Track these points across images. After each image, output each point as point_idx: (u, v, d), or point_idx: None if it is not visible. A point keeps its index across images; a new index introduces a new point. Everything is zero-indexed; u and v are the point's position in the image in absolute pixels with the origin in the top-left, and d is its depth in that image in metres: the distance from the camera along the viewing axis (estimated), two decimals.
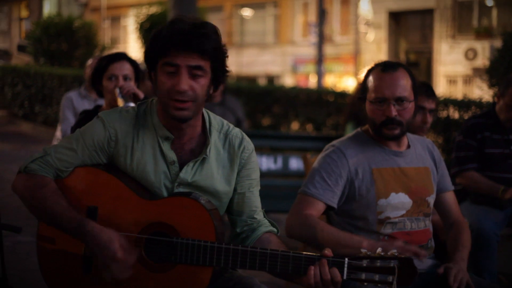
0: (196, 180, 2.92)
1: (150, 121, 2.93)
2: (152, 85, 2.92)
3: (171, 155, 2.90)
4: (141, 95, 4.47)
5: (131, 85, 4.53)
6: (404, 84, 3.50)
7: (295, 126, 13.07)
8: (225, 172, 2.99)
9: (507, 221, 5.26)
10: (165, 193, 2.90)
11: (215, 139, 2.99)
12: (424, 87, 4.65)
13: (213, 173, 2.96)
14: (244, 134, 3.08)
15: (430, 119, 4.70)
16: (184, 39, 2.75)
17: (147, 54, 2.86)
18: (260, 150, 8.86)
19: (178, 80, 2.76)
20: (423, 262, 3.43)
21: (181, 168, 2.91)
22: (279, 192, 8.01)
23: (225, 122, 3.08)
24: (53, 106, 17.14)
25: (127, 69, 4.60)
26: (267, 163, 7.90)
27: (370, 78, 3.57)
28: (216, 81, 2.90)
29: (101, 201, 2.84)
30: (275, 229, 3.07)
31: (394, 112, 3.48)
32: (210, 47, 2.79)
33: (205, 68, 2.81)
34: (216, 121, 3.03)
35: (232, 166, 3.01)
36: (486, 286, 3.51)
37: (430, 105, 4.67)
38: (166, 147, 2.90)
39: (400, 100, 3.49)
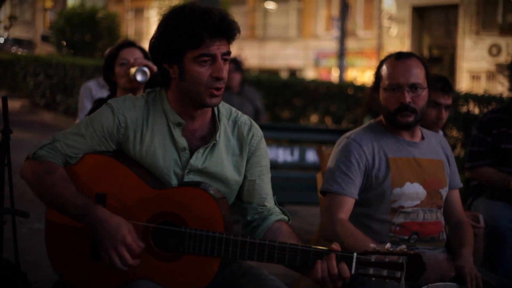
0: (206, 167, 2.92)
1: (160, 108, 2.93)
2: (173, 76, 2.88)
3: (182, 142, 2.89)
4: (154, 67, 4.43)
5: (143, 60, 4.56)
6: (417, 72, 3.51)
7: (314, 119, 13.03)
8: (234, 159, 2.99)
9: None
10: (174, 180, 2.89)
11: (224, 125, 2.99)
12: (440, 82, 4.60)
13: (223, 159, 2.95)
14: (252, 121, 3.08)
15: (445, 115, 4.65)
16: (220, 29, 2.78)
17: (169, 46, 2.82)
18: (277, 142, 8.86)
19: (218, 67, 2.80)
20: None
21: (191, 155, 2.90)
22: (296, 184, 8.00)
23: (233, 109, 3.08)
24: (74, 96, 17.18)
25: (137, 54, 4.62)
26: (283, 155, 7.89)
27: (384, 67, 3.58)
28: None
29: (109, 188, 2.83)
30: (286, 217, 3.06)
31: (408, 99, 3.48)
32: (236, 33, 2.85)
33: (231, 52, 2.87)
34: (224, 108, 3.04)
35: (241, 153, 3.01)
36: (497, 281, 3.48)
37: (446, 101, 4.62)
38: (177, 133, 2.90)
39: (414, 87, 3.49)
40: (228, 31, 2.80)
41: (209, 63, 2.80)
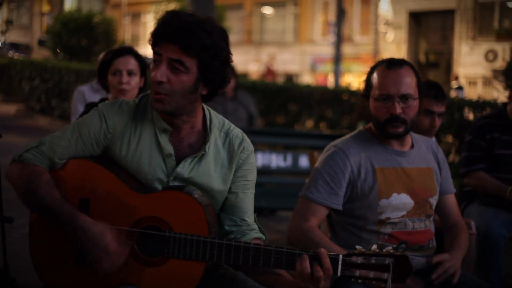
0: (192, 176, 2.90)
1: (150, 113, 2.91)
2: None
3: (168, 148, 2.87)
4: None
5: None
6: (409, 82, 3.46)
7: (309, 124, 13.02)
8: (222, 171, 2.97)
9: None
10: (158, 187, 2.87)
11: (215, 137, 2.97)
12: (434, 90, 4.58)
13: (210, 171, 2.93)
14: (244, 134, 3.05)
15: (438, 122, 4.64)
16: (169, 31, 2.73)
17: (149, 42, 2.85)
18: (270, 148, 8.85)
19: (155, 69, 2.77)
20: None
21: (178, 163, 2.88)
22: (289, 190, 7.99)
23: (227, 121, 3.05)
24: (70, 101, 17.10)
25: (131, 64, 4.58)
26: (276, 160, 7.88)
27: (374, 75, 3.53)
28: (207, 82, 2.84)
29: (93, 193, 2.81)
30: (263, 237, 3.03)
31: (398, 110, 3.44)
32: (195, 45, 2.73)
33: (187, 64, 2.75)
34: (217, 119, 3.01)
35: (230, 165, 2.98)
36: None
37: (439, 108, 4.61)
38: (163, 139, 2.88)
39: (404, 98, 3.45)
40: (181, 38, 2.71)
41: (158, 65, 2.78)
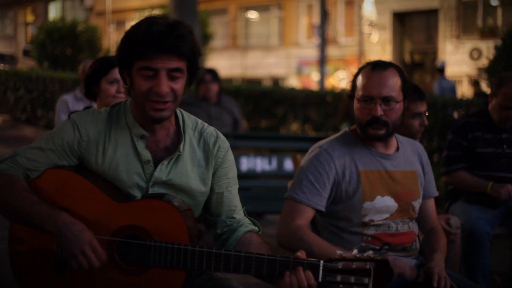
0: (171, 179, 2.89)
1: (124, 121, 2.90)
2: (124, 84, 2.89)
3: (146, 154, 2.87)
4: None
5: None
6: (392, 84, 3.45)
7: (294, 127, 13.03)
8: (200, 171, 2.96)
9: (501, 220, 5.22)
10: (138, 193, 2.87)
11: (190, 137, 2.96)
12: (416, 92, 4.58)
13: (188, 171, 2.93)
14: (218, 132, 3.05)
15: (426, 120, 4.66)
16: (163, 43, 2.72)
17: (120, 54, 2.83)
18: (255, 151, 8.84)
19: (158, 83, 2.74)
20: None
21: (156, 167, 2.87)
22: (275, 193, 7.98)
23: (200, 121, 3.05)
24: (55, 110, 17.11)
25: None
26: (261, 164, 7.87)
27: (360, 76, 3.53)
28: (191, 80, 2.89)
29: (72, 203, 2.80)
30: (256, 228, 3.03)
31: (380, 112, 3.43)
32: (188, 49, 2.77)
33: (182, 68, 2.79)
34: (190, 119, 3.01)
35: (207, 165, 2.98)
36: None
37: (424, 107, 4.63)
38: (141, 146, 2.87)
39: (386, 100, 3.44)
40: (176, 47, 2.74)
41: (152, 77, 2.76)
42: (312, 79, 31.26)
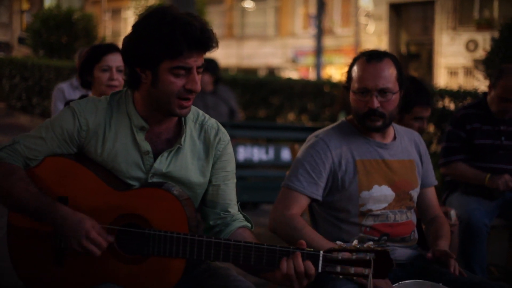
0: (170, 171, 2.88)
1: (124, 110, 2.88)
2: (144, 80, 2.81)
3: (145, 145, 2.85)
4: None
5: None
6: (388, 75, 3.43)
7: (291, 117, 13.02)
8: (199, 164, 2.95)
9: (498, 211, 5.23)
10: (136, 184, 2.85)
11: (190, 129, 2.95)
12: (423, 97, 4.55)
13: (188, 163, 2.91)
14: (219, 124, 3.04)
15: (426, 124, 4.65)
16: (200, 43, 2.72)
17: (146, 53, 2.73)
18: (252, 141, 8.84)
19: (192, 81, 2.75)
20: None
21: (155, 159, 2.86)
22: (271, 183, 7.98)
23: (201, 112, 3.03)
24: (50, 98, 17.07)
25: (119, 61, 4.51)
26: (258, 154, 7.86)
27: (355, 67, 3.51)
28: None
29: (71, 191, 2.79)
30: (249, 224, 3.02)
31: (376, 104, 3.42)
32: (215, 45, 2.80)
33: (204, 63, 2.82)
34: (191, 111, 2.98)
35: (207, 157, 2.96)
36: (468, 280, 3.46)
37: (428, 113, 4.61)
38: (140, 137, 2.85)
39: (383, 92, 3.42)
40: (207, 45, 2.75)
41: (184, 75, 2.74)
42: (309, 69, 31.24)
